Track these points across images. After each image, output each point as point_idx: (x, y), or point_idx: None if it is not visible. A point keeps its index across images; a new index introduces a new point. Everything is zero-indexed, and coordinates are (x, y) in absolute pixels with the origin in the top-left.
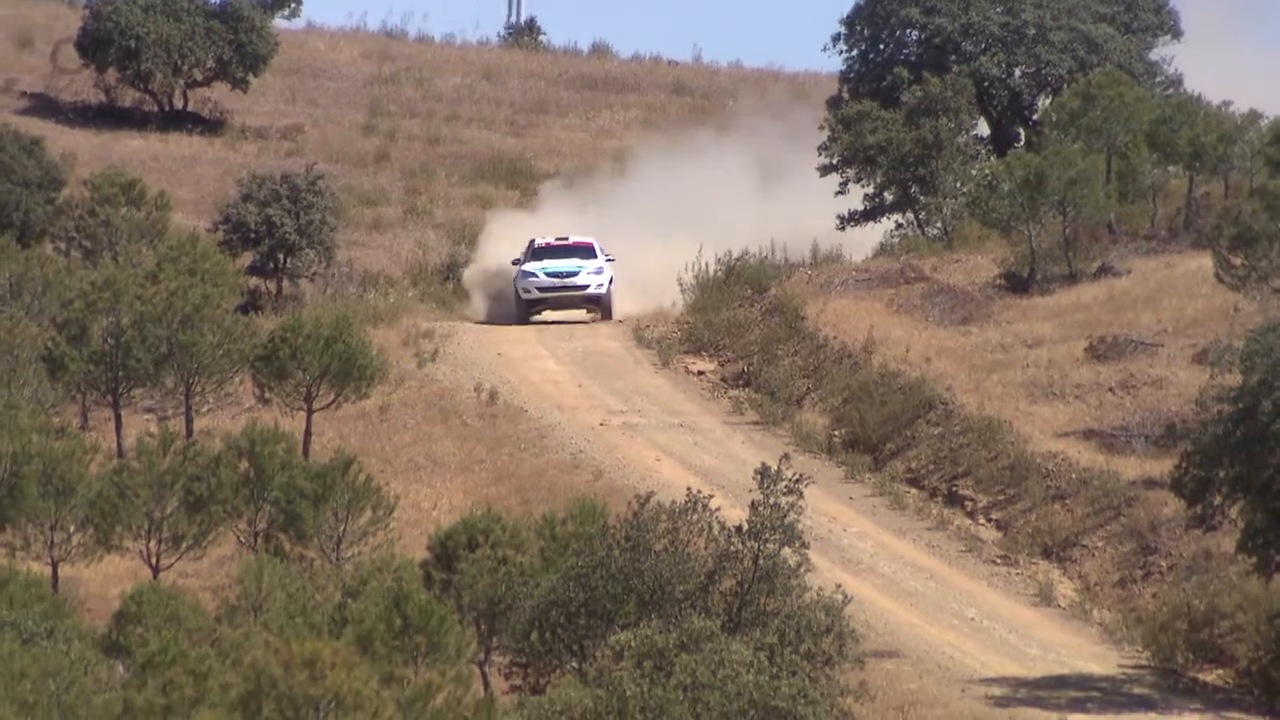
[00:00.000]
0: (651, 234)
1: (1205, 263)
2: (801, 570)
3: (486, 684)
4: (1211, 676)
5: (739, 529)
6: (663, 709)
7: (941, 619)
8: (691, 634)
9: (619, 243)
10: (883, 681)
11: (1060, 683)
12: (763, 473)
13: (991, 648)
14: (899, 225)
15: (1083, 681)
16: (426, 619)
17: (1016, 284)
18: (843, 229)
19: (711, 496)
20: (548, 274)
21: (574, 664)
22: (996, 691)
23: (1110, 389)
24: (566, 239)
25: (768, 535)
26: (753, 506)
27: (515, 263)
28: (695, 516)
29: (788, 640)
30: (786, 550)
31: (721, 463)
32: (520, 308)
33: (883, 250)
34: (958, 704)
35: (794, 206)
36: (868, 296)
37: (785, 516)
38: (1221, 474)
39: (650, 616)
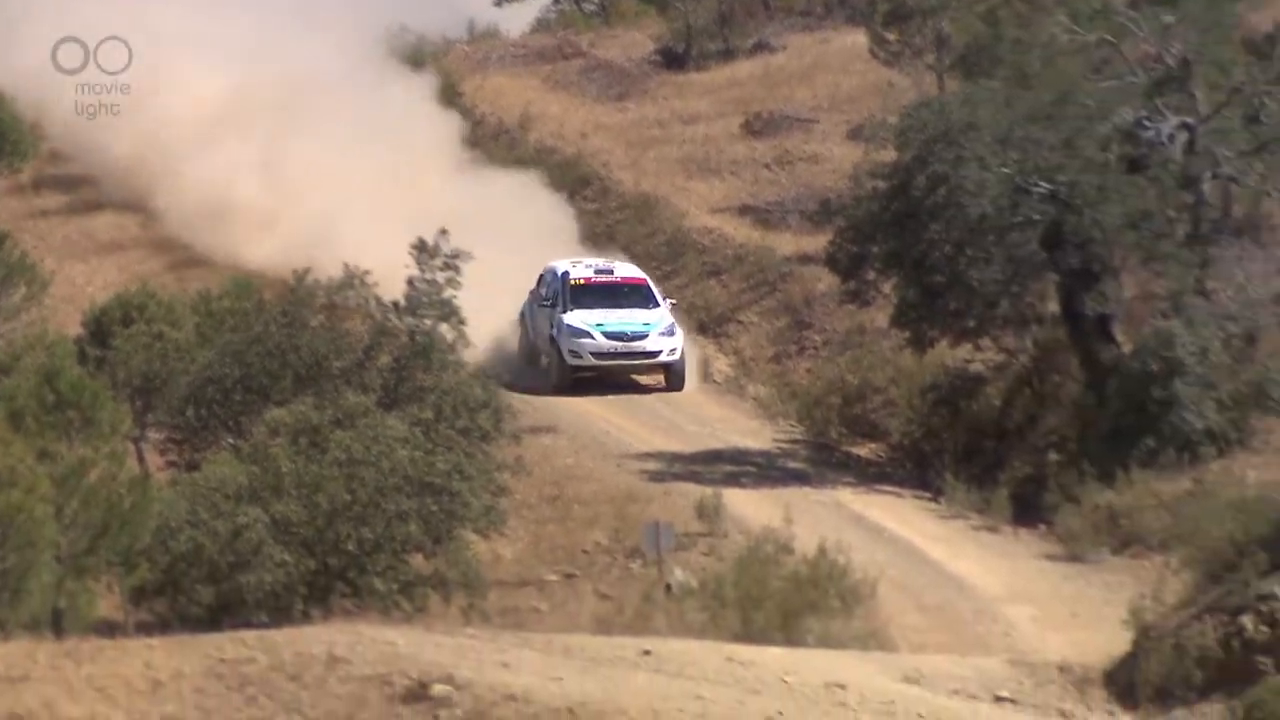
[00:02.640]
0: None
1: (860, 39)
2: (458, 346)
3: (142, 459)
4: (864, 450)
5: (395, 304)
6: (318, 485)
7: (597, 394)
8: (347, 410)
9: None
10: (539, 456)
11: (715, 457)
12: (419, 247)
13: (648, 423)
14: (556, 0)
15: (738, 456)
16: (80, 394)
17: (673, 60)
18: (499, 5)
19: (368, 272)
20: (607, 334)
21: (230, 440)
22: (652, 466)
23: (766, 165)
24: (611, 272)
25: (424, 311)
26: (409, 282)
27: (543, 304)
28: (352, 292)
29: (444, 416)
30: (444, 326)
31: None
32: (560, 373)
33: (539, 26)
34: (613, 478)
35: None
36: (525, 73)
37: (442, 292)
38: (875, 249)
39: (306, 393)
